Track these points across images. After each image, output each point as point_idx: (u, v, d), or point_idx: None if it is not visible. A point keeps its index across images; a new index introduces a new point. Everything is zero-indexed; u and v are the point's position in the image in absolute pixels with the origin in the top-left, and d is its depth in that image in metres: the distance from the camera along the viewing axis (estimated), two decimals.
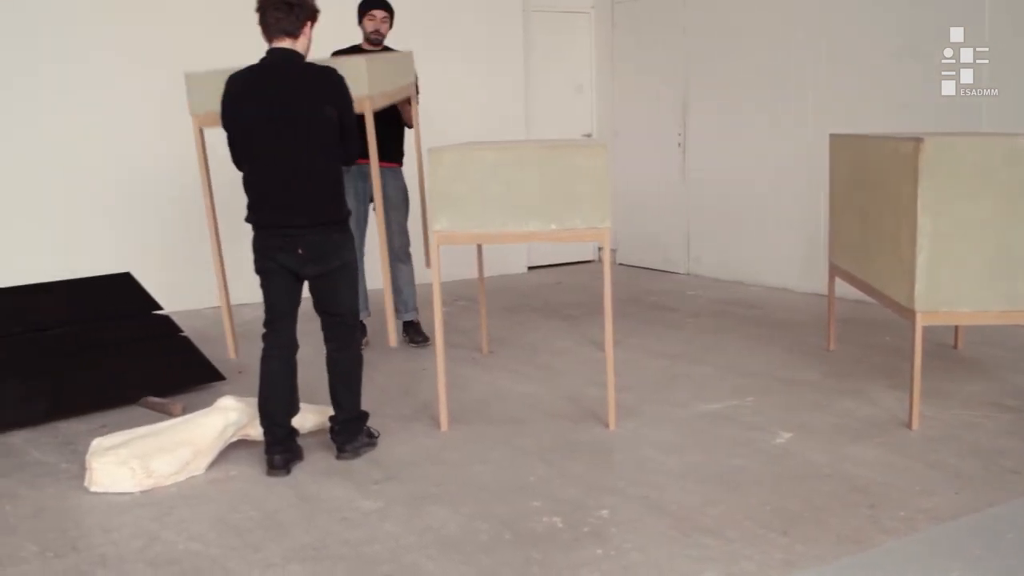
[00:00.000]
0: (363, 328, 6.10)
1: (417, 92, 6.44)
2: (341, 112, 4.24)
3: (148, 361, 5.57)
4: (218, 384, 5.60)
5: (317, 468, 4.33)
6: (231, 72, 4.30)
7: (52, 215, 7.33)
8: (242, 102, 4.21)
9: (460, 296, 8.12)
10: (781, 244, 8.37)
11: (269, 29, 4.21)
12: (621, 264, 10.05)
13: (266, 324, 4.36)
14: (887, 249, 4.95)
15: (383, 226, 5.22)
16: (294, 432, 4.38)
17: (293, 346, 4.39)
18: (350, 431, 4.43)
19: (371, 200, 6.27)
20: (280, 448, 4.28)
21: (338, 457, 4.41)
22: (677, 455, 4.38)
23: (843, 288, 6.17)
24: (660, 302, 8.02)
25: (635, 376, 5.64)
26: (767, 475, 4.12)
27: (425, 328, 6.57)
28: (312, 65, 4.31)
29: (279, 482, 4.18)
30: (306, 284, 4.37)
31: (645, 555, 3.39)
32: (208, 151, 5.25)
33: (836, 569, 3.27)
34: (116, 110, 7.49)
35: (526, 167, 4.68)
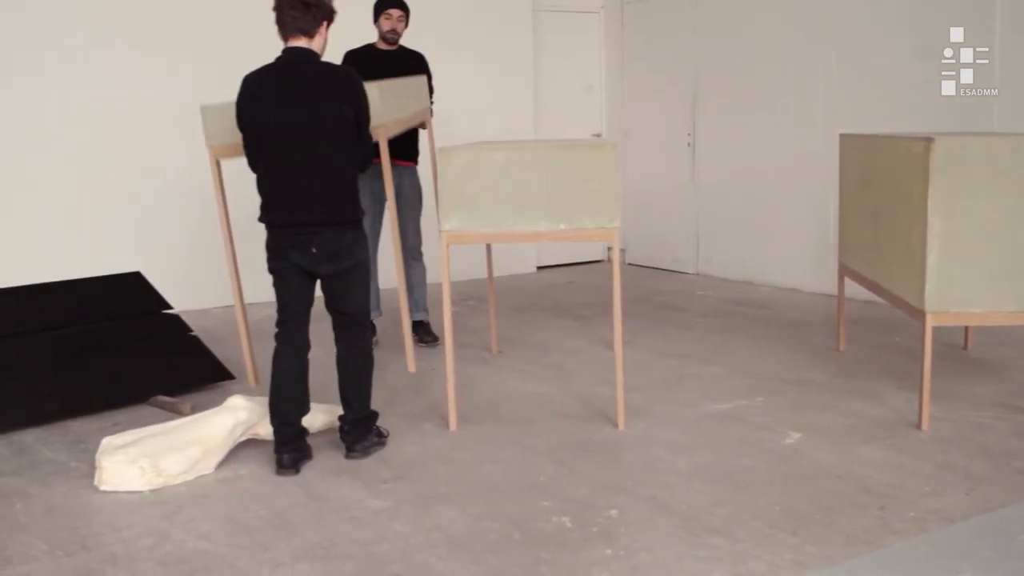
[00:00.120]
0: (372, 328, 6.11)
1: (432, 91, 6.48)
2: (357, 112, 4.25)
3: (158, 360, 5.58)
4: (227, 383, 5.61)
5: (326, 467, 4.33)
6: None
7: (62, 215, 7.35)
8: (257, 103, 4.22)
9: (469, 296, 8.12)
10: (791, 244, 8.36)
11: (285, 28, 4.23)
12: (630, 264, 10.05)
13: (279, 324, 4.37)
14: (897, 249, 4.93)
15: (396, 227, 5.22)
16: (304, 431, 4.38)
17: (305, 346, 4.39)
18: (359, 431, 4.44)
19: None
20: (289, 447, 4.28)
21: (347, 456, 4.42)
22: (686, 455, 4.37)
23: (853, 288, 6.16)
24: (669, 302, 8.01)
25: (644, 376, 5.64)
26: (776, 475, 4.11)
27: (435, 328, 6.58)
28: (328, 64, 4.32)
29: (288, 481, 4.18)
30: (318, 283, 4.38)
31: (654, 555, 3.39)
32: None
33: (846, 570, 3.27)
34: (128, 110, 7.50)
35: (536, 167, 4.68)
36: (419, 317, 6.58)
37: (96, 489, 4.10)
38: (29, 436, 4.85)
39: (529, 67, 9.66)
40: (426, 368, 5.88)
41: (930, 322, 4.59)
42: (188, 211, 7.66)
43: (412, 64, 6.49)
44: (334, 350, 4.45)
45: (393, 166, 5.57)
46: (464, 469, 4.28)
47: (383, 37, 6.40)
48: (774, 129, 8.38)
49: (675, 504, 3.82)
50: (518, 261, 9.62)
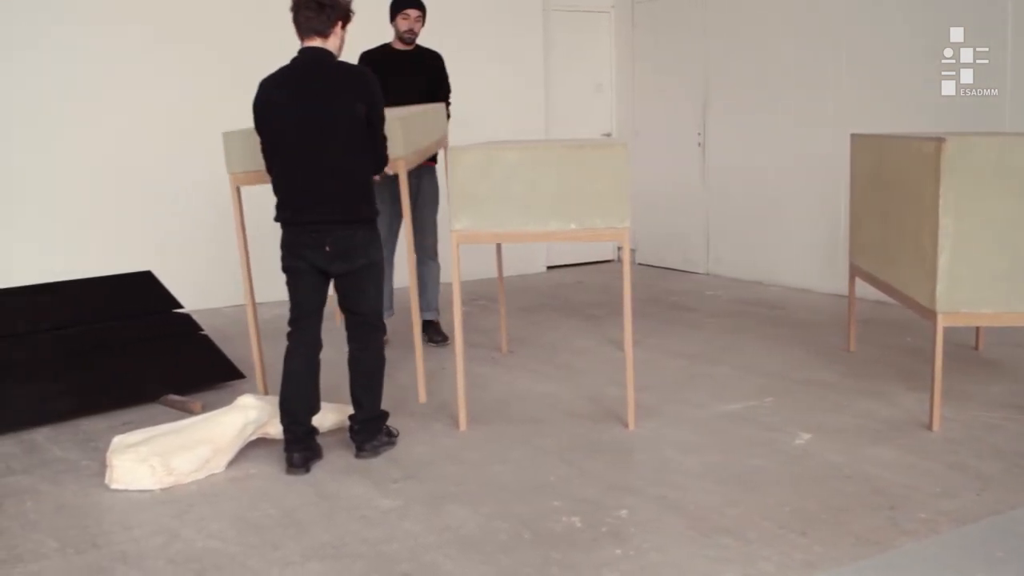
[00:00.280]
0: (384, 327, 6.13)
1: (449, 91, 6.49)
2: (369, 108, 4.25)
3: (168, 359, 5.59)
4: (237, 382, 5.62)
5: (336, 467, 4.34)
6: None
7: (75, 214, 7.38)
8: (273, 105, 4.24)
9: (479, 295, 8.13)
10: (801, 244, 8.34)
11: (300, 28, 4.25)
12: (640, 264, 10.04)
13: (291, 322, 4.38)
14: (908, 249, 4.92)
15: (410, 227, 5.22)
16: (314, 431, 4.39)
17: (317, 345, 4.40)
18: (369, 430, 4.44)
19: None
20: (300, 446, 4.29)
21: (357, 456, 4.42)
22: (696, 455, 4.37)
23: (863, 289, 6.14)
24: (680, 302, 8.00)
25: (654, 376, 5.63)
26: (786, 476, 4.10)
27: (444, 327, 6.59)
28: (343, 64, 4.34)
29: (298, 480, 4.19)
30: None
31: (664, 555, 3.39)
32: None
33: (856, 571, 3.26)
34: (144, 110, 7.53)
35: (546, 167, 4.68)
36: (430, 316, 6.58)
37: (107, 488, 4.12)
38: (40, 435, 4.87)
39: (539, 67, 9.66)
40: (436, 368, 5.88)
41: (941, 322, 4.58)
42: (200, 211, 7.67)
43: (430, 64, 6.50)
44: (345, 349, 4.45)
45: None
46: (474, 469, 4.28)
47: (400, 37, 6.39)
48: (784, 129, 8.37)
49: (685, 504, 3.81)
50: (528, 261, 9.62)
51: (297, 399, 4.31)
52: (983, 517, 3.65)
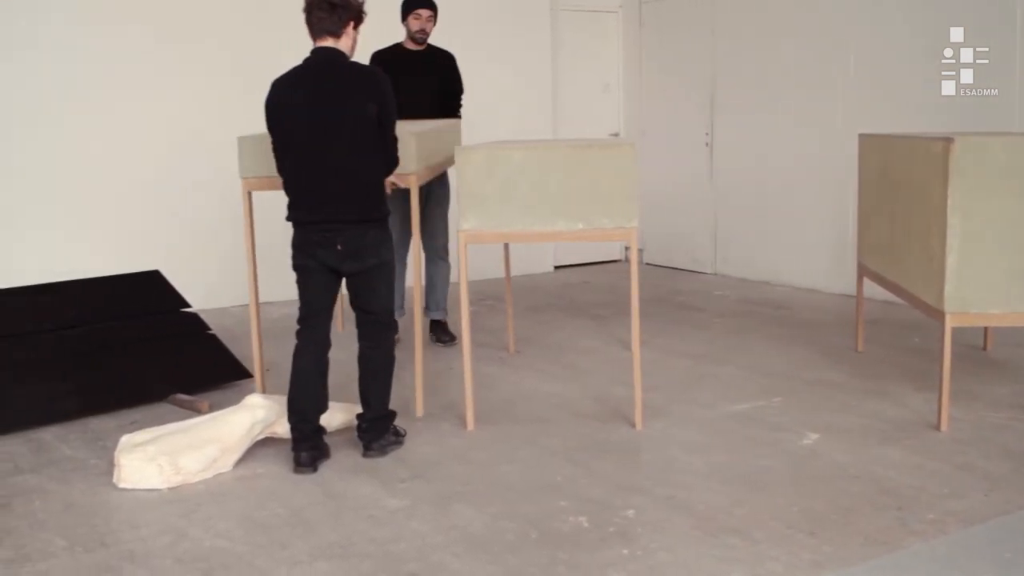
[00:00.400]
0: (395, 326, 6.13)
1: (462, 91, 6.50)
2: (381, 109, 4.25)
3: (176, 358, 5.60)
4: (245, 382, 5.63)
5: (344, 466, 4.34)
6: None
7: (83, 213, 7.39)
8: (284, 105, 4.25)
9: (487, 295, 8.13)
10: (809, 244, 8.33)
11: (313, 28, 4.27)
12: (648, 264, 10.02)
13: (300, 321, 4.39)
14: (916, 249, 4.91)
15: (418, 226, 5.22)
16: (321, 430, 4.40)
17: (326, 344, 4.40)
18: (377, 429, 4.44)
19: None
20: (307, 445, 4.29)
21: (365, 455, 4.42)
22: (704, 455, 4.36)
23: (871, 289, 6.13)
24: (687, 302, 7.99)
25: (662, 376, 5.63)
26: (794, 476, 4.10)
27: (452, 327, 6.59)
28: (354, 64, 4.35)
29: (306, 480, 4.19)
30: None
31: (671, 555, 3.38)
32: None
33: (864, 571, 3.26)
34: (151, 110, 7.53)
35: (554, 167, 4.68)
36: (438, 316, 6.59)
37: (115, 487, 4.13)
38: (48, 434, 4.88)
39: (547, 66, 9.66)
40: (443, 368, 5.89)
41: (949, 323, 4.57)
42: (209, 211, 7.68)
43: (442, 63, 6.49)
44: (353, 349, 4.46)
45: None
46: (481, 469, 4.28)
47: (412, 37, 6.39)
48: (792, 129, 8.35)
49: (692, 504, 3.81)
50: (535, 261, 9.62)
51: (305, 397, 4.31)
52: (991, 517, 3.64)
